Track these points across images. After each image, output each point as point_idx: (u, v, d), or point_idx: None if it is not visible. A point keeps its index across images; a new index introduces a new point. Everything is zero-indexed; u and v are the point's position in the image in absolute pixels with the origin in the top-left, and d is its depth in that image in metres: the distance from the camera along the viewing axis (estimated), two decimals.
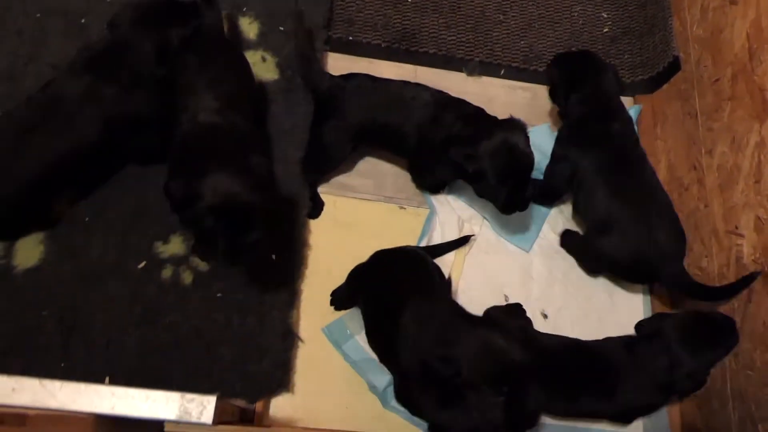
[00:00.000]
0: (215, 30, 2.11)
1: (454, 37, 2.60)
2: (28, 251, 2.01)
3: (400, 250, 2.01)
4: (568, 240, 2.31)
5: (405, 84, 2.13)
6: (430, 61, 2.55)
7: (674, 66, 2.43)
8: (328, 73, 2.19)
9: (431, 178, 2.26)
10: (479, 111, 2.08)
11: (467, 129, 1.99)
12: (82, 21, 2.34)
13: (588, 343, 2.02)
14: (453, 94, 2.39)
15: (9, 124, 1.94)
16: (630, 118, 2.26)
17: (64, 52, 2.27)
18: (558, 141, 2.26)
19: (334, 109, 2.12)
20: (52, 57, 2.28)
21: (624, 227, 2.06)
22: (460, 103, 2.10)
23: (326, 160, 2.23)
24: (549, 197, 2.34)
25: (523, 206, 2.03)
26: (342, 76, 2.17)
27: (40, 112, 1.93)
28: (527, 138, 1.98)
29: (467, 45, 2.60)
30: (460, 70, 2.56)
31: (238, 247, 1.70)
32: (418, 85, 2.14)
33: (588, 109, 2.20)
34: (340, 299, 2.09)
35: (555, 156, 2.24)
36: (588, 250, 2.22)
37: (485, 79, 2.57)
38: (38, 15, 2.34)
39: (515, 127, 1.98)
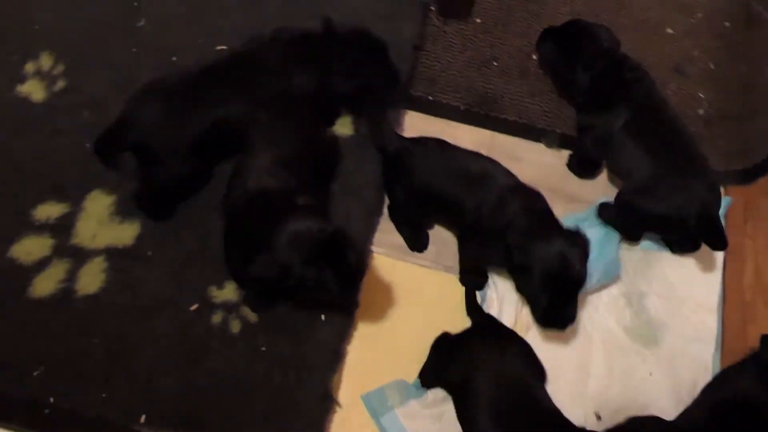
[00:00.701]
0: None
1: (537, 106, 2.53)
2: (91, 277, 2.08)
3: (506, 330, 1.96)
4: (605, 211, 2.23)
5: (477, 157, 2.08)
6: (509, 129, 2.48)
7: None
8: (398, 135, 2.16)
9: (477, 261, 2.17)
10: (548, 211, 1.99)
11: (530, 223, 1.91)
12: (174, 59, 2.43)
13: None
14: (529, 164, 2.34)
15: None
16: (638, 64, 2.26)
17: None
18: (579, 112, 2.29)
19: (401, 172, 2.10)
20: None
21: (664, 183, 2.05)
22: (530, 195, 2.01)
23: (404, 217, 2.22)
24: (588, 169, 2.36)
25: (562, 323, 1.93)
26: (412, 139, 2.14)
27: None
28: (585, 256, 1.89)
29: (550, 115, 2.51)
30: (539, 141, 2.48)
31: (347, 276, 1.74)
32: (491, 161, 2.07)
33: (596, 72, 2.20)
34: (430, 376, 2.01)
35: (581, 128, 2.27)
36: (629, 214, 2.15)
37: (565, 152, 2.47)
38: (134, 50, 2.44)
39: (577, 242, 1.89)
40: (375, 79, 2.22)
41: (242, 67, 2.11)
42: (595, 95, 2.21)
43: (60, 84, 2.37)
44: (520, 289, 2.00)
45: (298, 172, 1.92)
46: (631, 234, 2.24)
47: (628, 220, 2.18)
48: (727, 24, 2.70)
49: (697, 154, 2.12)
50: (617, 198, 2.19)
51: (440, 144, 2.11)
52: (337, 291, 1.75)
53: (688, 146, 2.13)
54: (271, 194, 1.83)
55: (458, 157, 2.07)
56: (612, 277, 2.21)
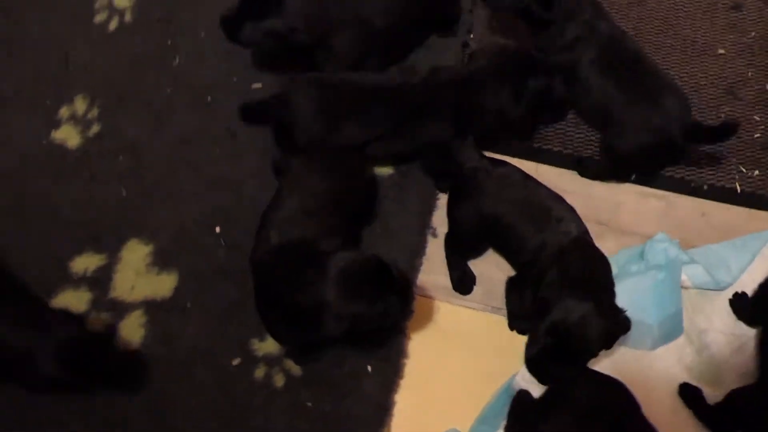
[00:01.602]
0: None
1: (582, 135, 2.42)
2: (131, 331, 2.04)
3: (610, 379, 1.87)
4: (587, 169, 2.30)
5: (558, 199, 2.00)
6: (554, 159, 2.38)
7: None
8: (479, 152, 2.10)
9: (516, 304, 2.08)
10: (604, 278, 1.89)
11: (577, 273, 1.83)
12: (208, 98, 2.38)
13: None
14: (576, 196, 2.24)
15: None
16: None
17: (188, 124, 2.34)
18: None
19: (472, 192, 2.03)
20: (175, 130, 2.33)
21: (633, 115, 2.13)
22: (598, 258, 1.92)
23: (462, 245, 2.15)
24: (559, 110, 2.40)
25: (544, 379, 1.86)
26: (492, 160, 2.08)
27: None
28: (611, 337, 1.83)
29: (597, 144, 2.41)
30: None
31: (402, 291, 1.78)
32: (571, 209, 1.99)
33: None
34: None
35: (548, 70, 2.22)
36: (613, 159, 2.24)
37: (614, 183, 2.37)
38: (168, 90, 2.40)
39: (613, 319, 1.81)
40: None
41: (408, 96, 2.10)
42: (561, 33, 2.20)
43: (95, 128, 2.34)
44: (531, 325, 1.93)
45: (325, 217, 1.88)
46: (622, 174, 2.31)
47: (621, 163, 2.26)
48: None
49: (659, 73, 2.22)
50: (602, 149, 2.28)
51: (522, 174, 2.04)
52: (400, 310, 1.75)
53: (650, 72, 2.20)
54: (296, 246, 1.79)
55: (539, 192, 1.99)
56: (673, 336, 2.10)
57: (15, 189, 2.25)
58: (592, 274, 1.89)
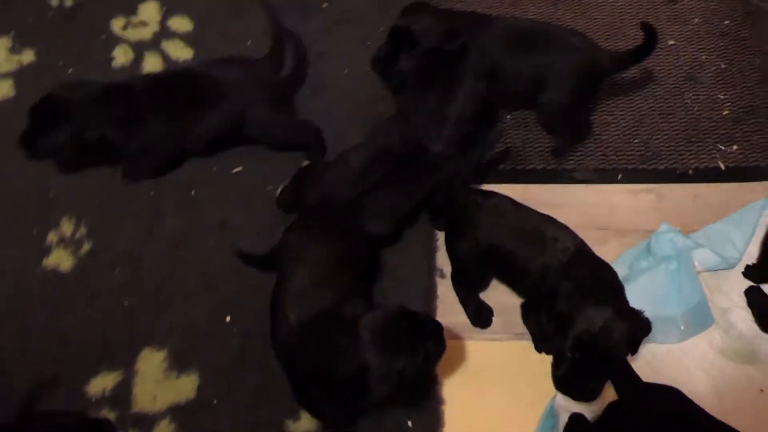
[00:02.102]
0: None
1: None
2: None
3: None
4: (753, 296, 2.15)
5: (550, 220, 2.00)
6: (539, 178, 2.42)
7: None
8: (467, 187, 2.11)
9: (535, 328, 2.07)
10: (613, 283, 1.90)
11: (589, 283, 1.83)
12: (192, 193, 2.39)
13: None
14: (570, 208, 2.27)
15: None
16: None
17: (177, 224, 2.34)
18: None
19: (467, 226, 2.03)
20: (167, 232, 2.33)
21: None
22: (602, 266, 1.94)
23: (467, 280, 2.14)
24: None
25: (578, 395, 1.86)
26: (481, 192, 2.08)
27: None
28: (636, 338, 1.81)
29: (577, 154, 2.45)
30: (572, 182, 2.40)
31: (433, 332, 1.76)
32: (564, 227, 1.99)
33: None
34: None
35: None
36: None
37: (603, 186, 2.39)
38: (152, 193, 2.40)
39: (633, 320, 1.80)
40: None
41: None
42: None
43: (86, 246, 2.32)
44: (548, 346, 1.95)
45: (335, 282, 1.86)
46: None
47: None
48: (727, 22, 2.68)
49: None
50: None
51: (512, 202, 2.05)
52: (440, 352, 1.75)
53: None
54: (317, 319, 1.77)
55: (531, 217, 2.00)
56: (705, 325, 2.10)
57: (17, 325, 2.20)
58: (603, 281, 1.89)
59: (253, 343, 2.07)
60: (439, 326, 1.77)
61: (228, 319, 2.14)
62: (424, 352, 1.69)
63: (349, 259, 1.94)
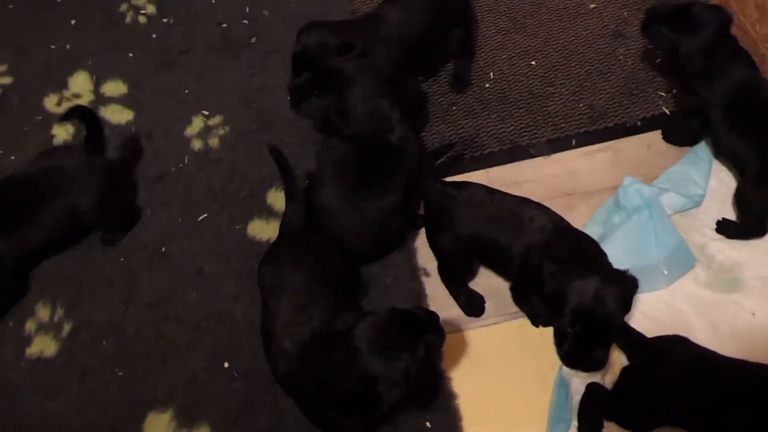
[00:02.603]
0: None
1: (512, 127, 2.52)
2: None
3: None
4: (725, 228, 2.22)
5: (524, 202, 2.02)
6: (498, 160, 2.46)
7: None
8: (441, 181, 2.11)
9: (529, 308, 2.10)
10: (597, 255, 1.92)
11: (571, 257, 1.86)
12: (162, 249, 2.37)
13: None
14: (534, 182, 2.31)
15: None
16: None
17: (155, 283, 2.30)
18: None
19: (445, 220, 2.04)
20: (145, 294, 2.29)
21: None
22: (580, 237, 1.96)
23: (454, 272, 2.16)
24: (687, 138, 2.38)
25: (587, 366, 1.88)
26: (454, 184, 2.09)
27: None
28: (627, 300, 1.84)
29: (529, 129, 2.50)
30: (531, 157, 2.45)
31: (431, 324, 1.78)
32: (539, 206, 2.01)
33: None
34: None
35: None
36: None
37: (560, 155, 2.45)
38: (122, 259, 2.37)
39: (621, 282, 1.83)
40: None
41: None
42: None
43: (67, 327, 2.26)
44: (547, 320, 1.98)
45: (320, 301, 1.86)
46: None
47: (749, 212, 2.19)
48: None
49: None
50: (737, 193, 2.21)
51: (485, 188, 2.06)
52: (441, 341, 1.77)
53: None
54: (312, 341, 1.76)
55: (506, 202, 2.02)
56: (687, 265, 2.16)
57: (12, 421, 2.12)
58: (584, 251, 1.92)
59: (256, 383, 2.05)
60: (434, 316, 1.78)
61: (226, 365, 2.12)
62: (424, 346, 1.69)
63: (327, 276, 1.94)
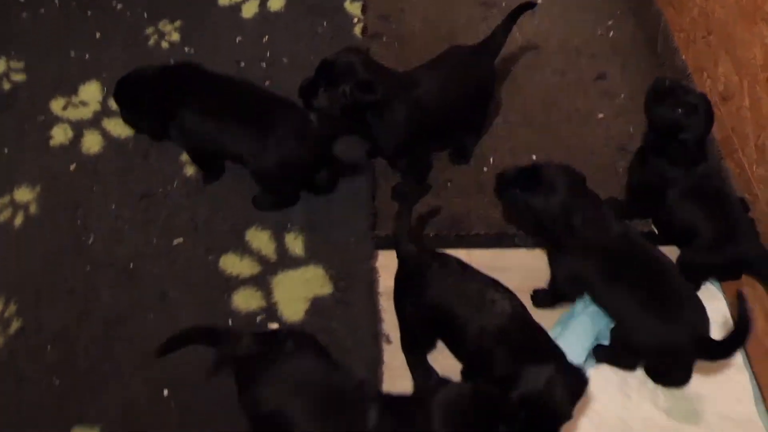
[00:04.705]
0: None
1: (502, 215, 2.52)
2: None
3: None
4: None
5: (493, 284, 1.98)
6: (483, 242, 2.46)
7: None
8: (419, 247, 2.09)
9: None
10: (555, 347, 1.89)
11: (525, 344, 1.84)
12: (131, 266, 2.33)
13: None
14: (514, 271, 2.29)
15: None
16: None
17: (115, 299, 2.26)
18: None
19: (415, 286, 2.01)
20: (103, 309, 2.24)
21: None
22: (538, 329, 1.92)
23: (416, 342, 2.11)
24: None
25: None
26: (431, 253, 2.07)
27: None
28: (576, 394, 1.78)
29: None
30: (515, 247, 2.45)
31: None
32: (506, 291, 1.97)
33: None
34: None
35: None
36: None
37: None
38: (88, 268, 2.33)
39: (572, 377, 1.78)
40: None
41: None
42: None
43: (15, 325, 2.21)
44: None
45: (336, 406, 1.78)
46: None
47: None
48: None
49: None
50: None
51: (460, 263, 2.04)
52: None
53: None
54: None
55: (475, 280, 1.99)
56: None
57: None
58: (539, 341, 1.89)
59: (194, 419, 1.98)
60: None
61: (166, 392, 2.04)
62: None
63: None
